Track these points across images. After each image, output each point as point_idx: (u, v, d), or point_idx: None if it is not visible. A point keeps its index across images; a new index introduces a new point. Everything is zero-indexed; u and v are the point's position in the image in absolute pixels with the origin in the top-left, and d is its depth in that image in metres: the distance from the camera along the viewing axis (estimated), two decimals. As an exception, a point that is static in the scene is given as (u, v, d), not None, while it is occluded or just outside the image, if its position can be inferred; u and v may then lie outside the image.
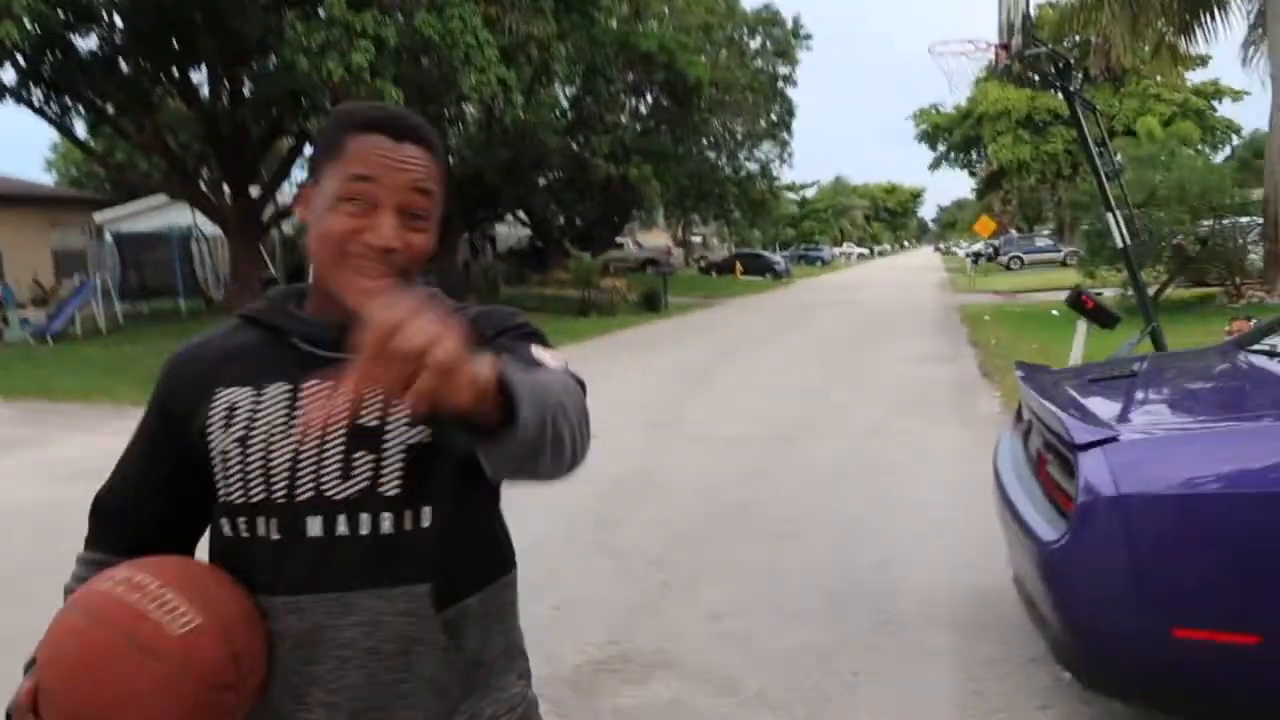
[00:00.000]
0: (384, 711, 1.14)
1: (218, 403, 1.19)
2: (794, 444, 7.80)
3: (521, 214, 34.57)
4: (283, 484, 1.13)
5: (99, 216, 23.54)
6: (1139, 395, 3.51)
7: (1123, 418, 2.99)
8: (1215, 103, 49.33)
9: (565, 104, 30.14)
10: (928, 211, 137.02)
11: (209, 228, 21.14)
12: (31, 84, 18.19)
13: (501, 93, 16.54)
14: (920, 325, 18.91)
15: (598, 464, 5.65)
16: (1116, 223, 7.78)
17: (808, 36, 38.63)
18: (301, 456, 1.13)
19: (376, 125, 1.16)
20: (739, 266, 45.09)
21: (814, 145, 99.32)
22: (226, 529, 1.18)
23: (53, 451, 8.56)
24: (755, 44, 38.23)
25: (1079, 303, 9.24)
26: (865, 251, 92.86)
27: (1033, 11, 7.39)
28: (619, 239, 42.62)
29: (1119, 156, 19.00)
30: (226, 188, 19.67)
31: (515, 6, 16.84)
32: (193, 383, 1.24)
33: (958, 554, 4.73)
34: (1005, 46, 7.67)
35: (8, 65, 16.86)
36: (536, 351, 1.18)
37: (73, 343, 16.28)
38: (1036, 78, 43.95)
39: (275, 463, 1.14)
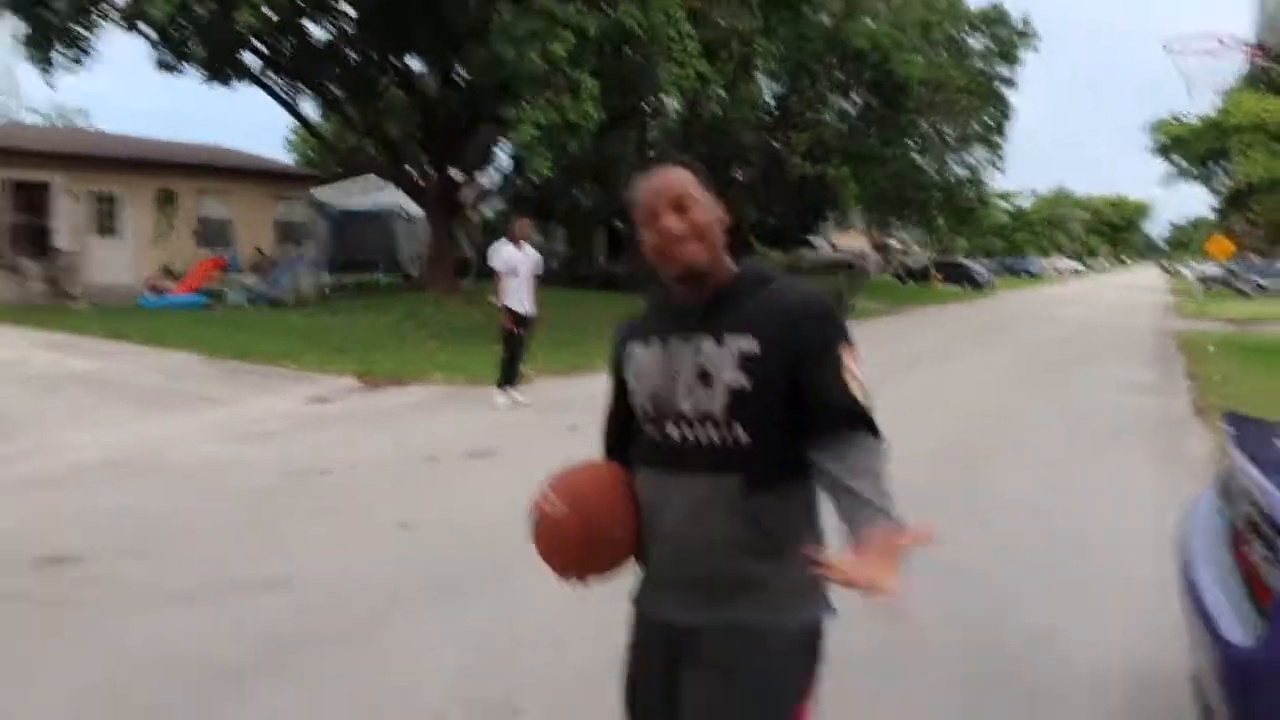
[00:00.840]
0: (695, 552, 1.71)
1: (627, 352, 1.86)
2: (967, 471, 7.13)
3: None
4: (653, 405, 1.77)
5: (317, 193, 25.19)
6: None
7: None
8: None
9: (769, 100, 29.66)
10: (1156, 228, 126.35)
11: (415, 208, 22.14)
12: (269, 69, 19.63)
13: (701, 87, 16.34)
14: (1132, 350, 17.24)
15: None
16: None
17: (1035, 36, 36.21)
18: (661, 390, 1.76)
19: (643, 171, 1.83)
20: (936, 274, 43.10)
21: (1035, 151, 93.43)
22: (638, 431, 1.83)
23: (235, 410, 9.06)
24: (977, 44, 36.23)
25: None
26: (1079, 266, 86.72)
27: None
28: (811, 238, 41.67)
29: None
30: (431, 171, 20.54)
31: (721, 1, 16.60)
32: (620, 341, 1.91)
33: (1142, 629, 4.04)
34: (1261, 47, 6.64)
35: (248, 51, 18.31)
36: (845, 375, 1.67)
37: (281, 309, 17.44)
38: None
39: (650, 391, 1.78)
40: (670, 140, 28.02)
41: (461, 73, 19.27)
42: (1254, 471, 2.60)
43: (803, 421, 1.65)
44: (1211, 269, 48.01)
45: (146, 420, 8.44)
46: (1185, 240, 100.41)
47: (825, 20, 26.74)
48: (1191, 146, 48.44)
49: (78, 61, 18.83)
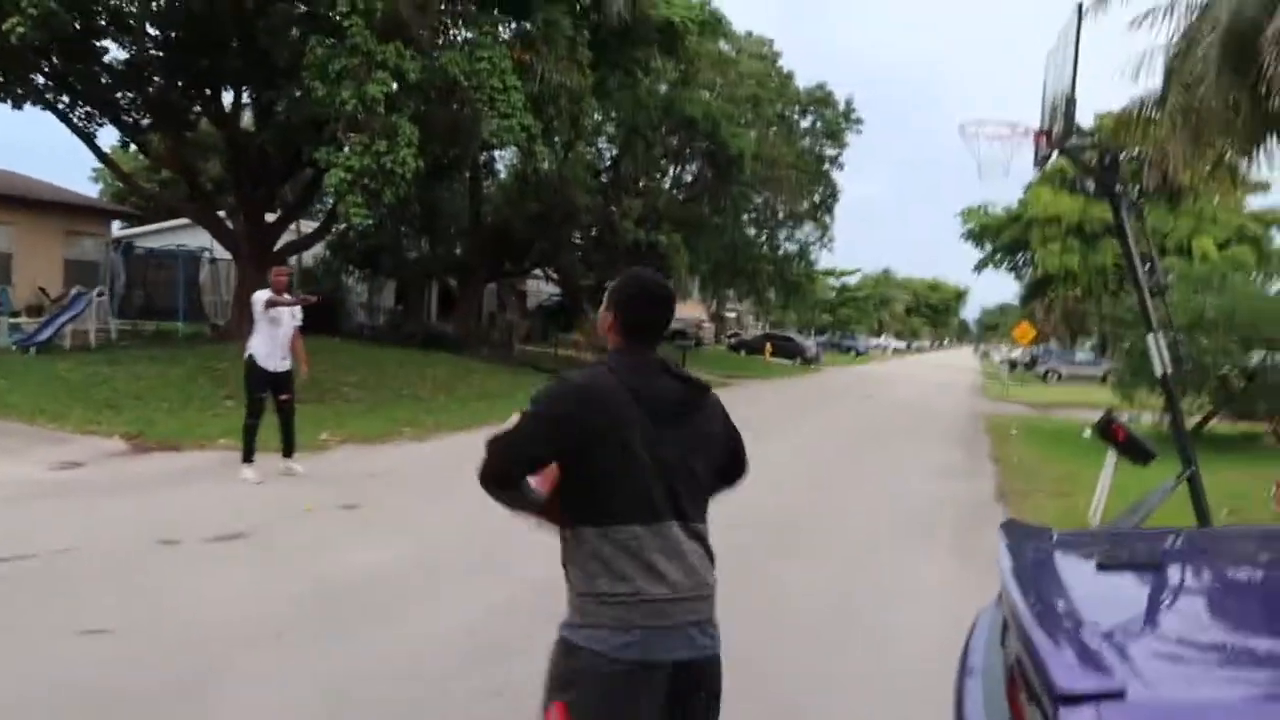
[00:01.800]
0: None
1: None
2: (771, 554, 6.79)
3: (553, 271, 34.08)
4: None
5: (116, 230, 23.25)
6: (1163, 607, 2.51)
7: (1133, 651, 2.02)
8: (1275, 230, 48.12)
9: (605, 162, 29.77)
10: (970, 312, 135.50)
11: (223, 252, 20.67)
12: (60, 90, 17.96)
13: (527, 142, 15.96)
14: (943, 431, 17.79)
15: (520, 565, 4.55)
16: (1158, 346, 6.78)
17: (859, 120, 38.23)
18: None
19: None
20: (769, 348, 44.18)
21: (859, 232, 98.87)
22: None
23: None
24: (806, 123, 37.84)
25: (1109, 433, 8.20)
26: (902, 345, 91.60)
27: (1088, 116, 6.59)
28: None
29: (1170, 275, 17.88)
30: (241, 214, 19.24)
31: (551, 56, 16.35)
32: None
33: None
34: (1046, 134, 6.78)
35: (33, 69, 16.67)
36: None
37: (56, 356, 15.64)
38: (1085, 182, 43.11)
39: None
40: (504, 196, 27.63)
41: (279, 109, 18.23)
42: (1028, 610, 2.22)
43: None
44: (1017, 354, 51.40)
45: None
46: (994, 324, 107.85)
47: (662, 88, 27.15)
48: (1000, 236, 52.11)
49: None
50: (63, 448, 9.35)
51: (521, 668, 4.34)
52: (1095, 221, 45.06)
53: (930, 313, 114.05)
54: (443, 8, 16.68)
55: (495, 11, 17.20)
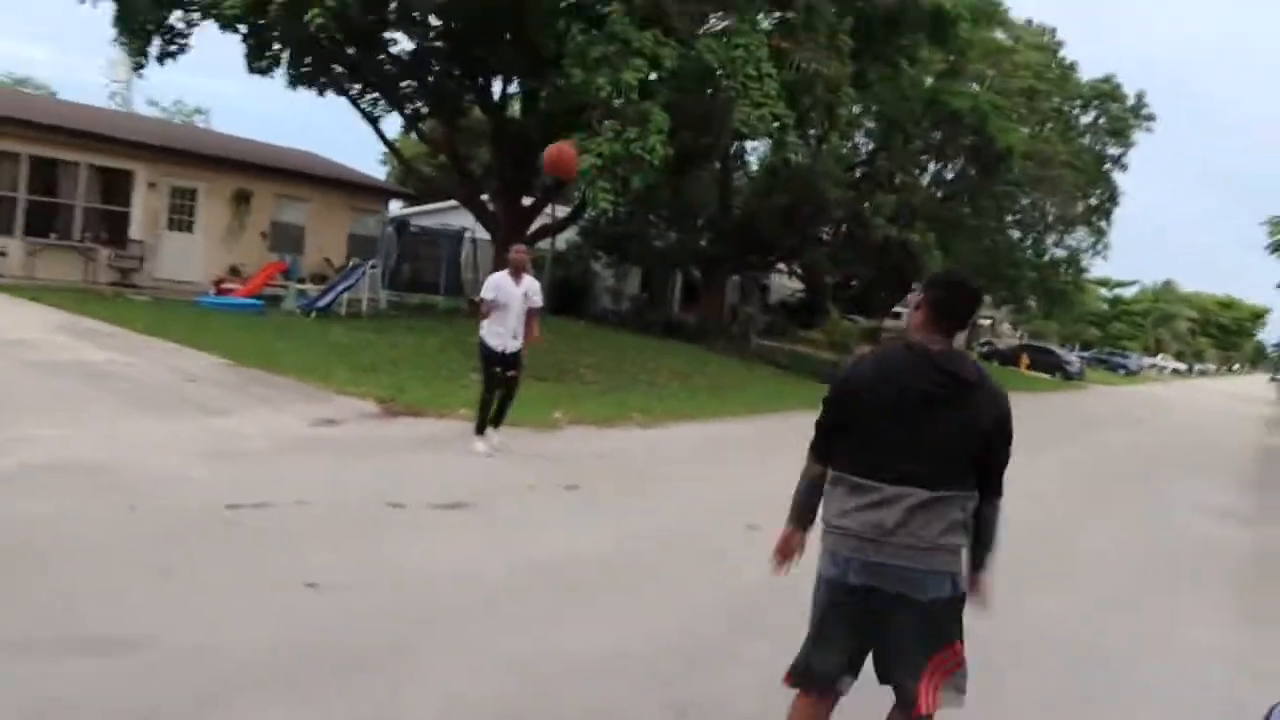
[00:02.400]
0: None
1: None
2: (1020, 579, 6.08)
3: (797, 266, 33.48)
4: None
5: (397, 209, 25.15)
6: None
7: None
8: None
9: (861, 156, 28.78)
10: (1271, 335, 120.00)
11: (485, 233, 21.82)
12: (352, 79, 19.60)
13: (776, 131, 15.58)
14: (1225, 467, 15.71)
15: (736, 560, 4.86)
16: None
17: (1150, 117, 34.59)
18: None
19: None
20: (1025, 359, 41.24)
21: (1143, 239, 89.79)
22: None
23: (227, 423, 8.50)
24: (1087, 118, 34.77)
25: None
26: (1182, 367, 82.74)
27: None
28: (900, 309, 40.33)
29: None
30: (502, 197, 20.19)
31: (810, 43, 15.84)
32: None
33: None
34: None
35: (331, 58, 18.28)
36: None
37: (332, 320, 17.11)
38: None
39: None
40: (753, 188, 27.33)
41: (543, 97, 18.93)
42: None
43: None
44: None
45: (127, 422, 7.93)
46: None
47: (928, 80, 25.80)
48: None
49: (170, 56, 19.11)
50: (322, 405, 10.06)
51: (708, 685, 4.06)
52: None
53: (1219, 333, 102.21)
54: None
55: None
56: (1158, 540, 8.67)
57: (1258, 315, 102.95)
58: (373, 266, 19.45)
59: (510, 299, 8.56)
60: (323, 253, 22.09)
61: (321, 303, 17.73)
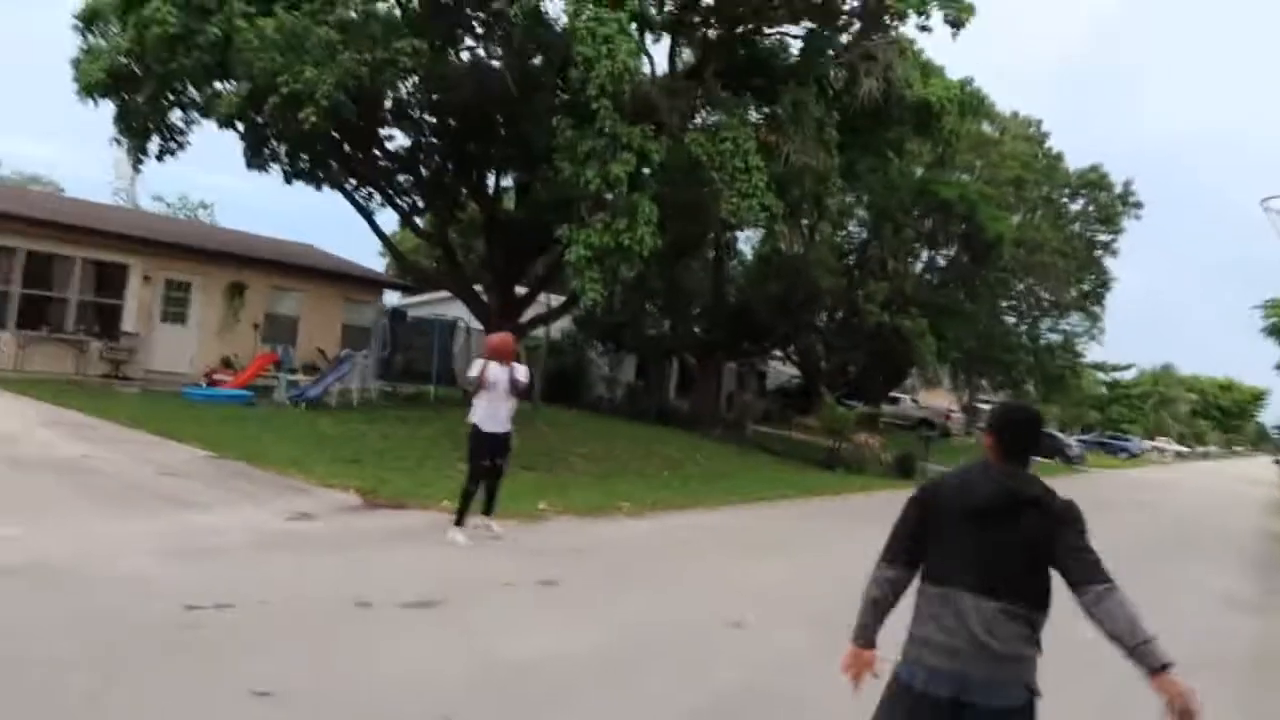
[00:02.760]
0: None
1: None
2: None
3: (793, 353, 33.56)
4: None
5: (395, 300, 25.28)
6: None
7: None
8: None
9: (853, 244, 29.10)
10: (1271, 416, 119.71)
11: (478, 323, 21.88)
12: (347, 174, 19.91)
13: (766, 221, 15.74)
14: (1229, 552, 15.40)
15: (716, 664, 4.10)
16: None
17: (1138, 204, 35.11)
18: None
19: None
20: (1024, 443, 40.87)
21: (1139, 325, 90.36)
22: None
23: (201, 519, 8.31)
24: (1076, 206, 35.28)
25: None
26: (1184, 450, 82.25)
27: None
28: (896, 394, 40.27)
29: None
30: (495, 288, 20.30)
31: (797, 137, 16.12)
32: None
33: None
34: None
35: (326, 153, 18.60)
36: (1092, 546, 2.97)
37: (322, 412, 17.00)
38: None
39: None
40: (747, 276, 27.55)
41: (535, 191, 19.21)
42: None
43: None
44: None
45: (97, 519, 7.75)
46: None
47: (917, 171, 26.25)
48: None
49: (170, 153, 19.43)
50: (302, 498, 9.88)
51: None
52: None
53: (1220, 415, 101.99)
54: (692, 92, 17.02)
55: (743, 95, 17.30)
56: (1162, 633, 8.37)
57: (1257, 396, 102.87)
58: (365, 357, 19.42)
59: (498, 380, 8.55)
60: (316, 343, 22.11)
61: (312, 393, 17.64)
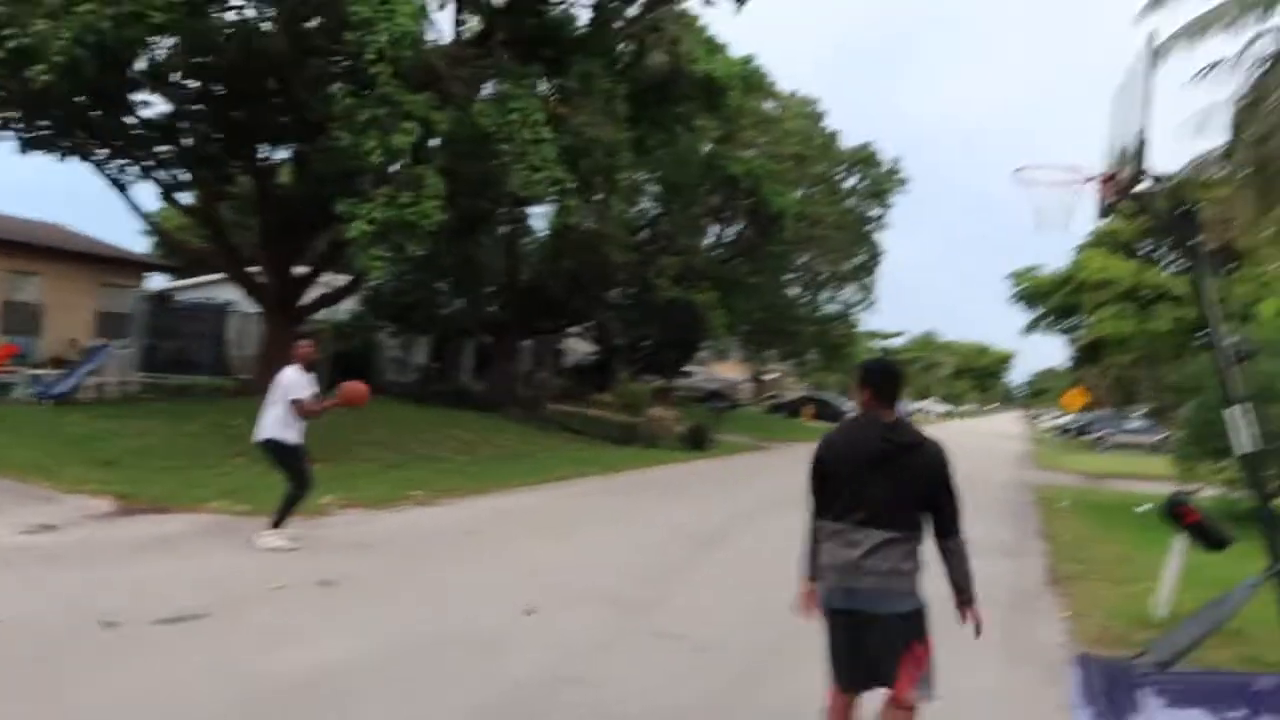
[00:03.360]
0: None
1: None
2: (779, 662, 5.90)
3: (589, 329, 33.60)
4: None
5: (164, 282, 23.18)
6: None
7: None
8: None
9: (645, 220, 29.40)
10: (1018, 377, 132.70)
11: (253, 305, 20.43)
12: (95, 143, 17.94)
13: (557, 195, 15.50)
14: (987, 502, 16.67)
15: (510, 653, 3.76)
16: (1242, 419, 5.90)
17: (904, 181, 37.54)
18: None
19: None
20: (809, 410, 43.15)
21: (904, 295, 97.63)
22: None
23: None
24: (850, 182, 37.27)
25: (1178, 515, 7.30)
26: (947, 410, 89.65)
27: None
28: (690, 368, 41.26)
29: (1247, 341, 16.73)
30: (271, 268, 18.98)
31: (586, 109, 15.95)
32: None
33: None
34: (1113, 179, 6.01)
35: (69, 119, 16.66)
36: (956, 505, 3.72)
37: (71, 409, 15.31)
38: (1143, 244, 41.78)
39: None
40: (540, 253, 27.27)
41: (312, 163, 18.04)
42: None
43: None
44: (1067, 420, 49.70)
45: None
46: (1042, 389, 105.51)
47: (705, 147, 26.78)
48: (1050, 299, 50.83)
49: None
50: (46, 508, 8.79)
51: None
52: (1149, 287, 43.72)
53: (977, 377, 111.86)
54: (479, 61, 16.48)
55: (531, 65, 16.93)
56: (930, 581, 8.87)
57: (1007, 359, 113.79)
58: (123, 346, 17.68)
59: (302, 391, 8.07)
60: (66, 333, 19.93)
61: (60, 389, 15.85)
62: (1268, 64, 14.60)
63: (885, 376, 3.86)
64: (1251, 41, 14.86)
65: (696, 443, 23.15)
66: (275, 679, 4.71)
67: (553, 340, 35.99)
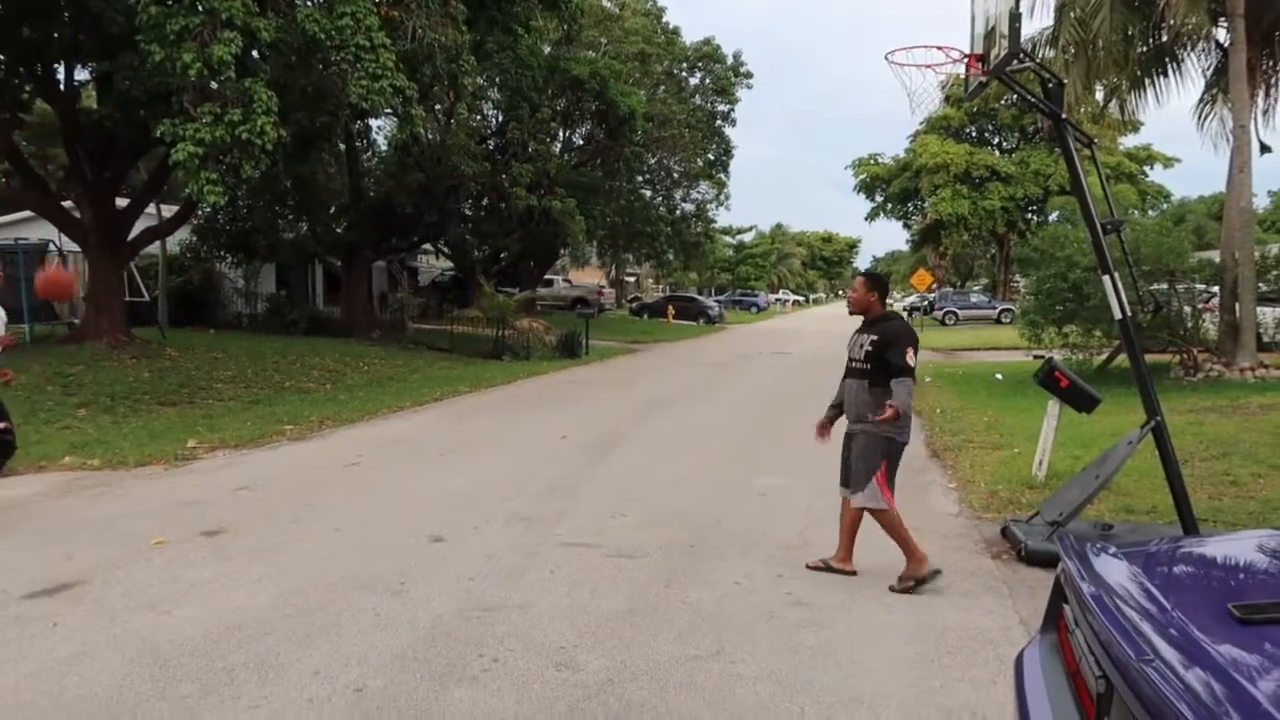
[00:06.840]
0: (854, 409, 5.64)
1: None
2: (694, 559, 5.93)
3: (444, 245, 32.57)
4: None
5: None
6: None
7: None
8: (1146, 168, 49.77)
9: (491, 128, 28.41)
10: (863, 261, 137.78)
11: (73, 244, 18.69)
12: None
13: (400, 105, 14.62)
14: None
15: (424, 587, 3.52)
16: (1115, 288, 6.17)
17: (748, 75, 37.55)
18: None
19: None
20: (671, 310, 43.58)
21: (754, 190, 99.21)
22: None
23: None
24: (695, 80, 36.98)
25: (1051, 380, 7.66)
26: (801, 299, 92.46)
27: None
28: (550, 276, 40.77)
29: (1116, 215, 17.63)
30: (87, 201, 17.35)
31: (421, 11, 14.98)
32: None
33: None
34: (982, 58, 6.04)
35: None
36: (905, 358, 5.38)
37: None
38: (971, 128, 43.45)
39: None
40: (385, 168, 26.04)
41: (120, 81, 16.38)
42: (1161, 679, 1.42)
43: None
44: (914, 300, 51.99)
45: None
46: (887, 272, 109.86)
47: (546, 48, 25.88)
48: (890, 186, 52.53)
49: None
50: None
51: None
52: (981, 168, 45.74)
53: (825, 265, 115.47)
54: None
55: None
56: (823, 460, 9.11)
57: (852, 245, 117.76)
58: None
59: None
60: None
61: None
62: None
63: (882, 284, 5.82)
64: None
65: (570, 351, 23.00)
66: (180, 642, 4.35)
67: (405, 259, 34.79)
